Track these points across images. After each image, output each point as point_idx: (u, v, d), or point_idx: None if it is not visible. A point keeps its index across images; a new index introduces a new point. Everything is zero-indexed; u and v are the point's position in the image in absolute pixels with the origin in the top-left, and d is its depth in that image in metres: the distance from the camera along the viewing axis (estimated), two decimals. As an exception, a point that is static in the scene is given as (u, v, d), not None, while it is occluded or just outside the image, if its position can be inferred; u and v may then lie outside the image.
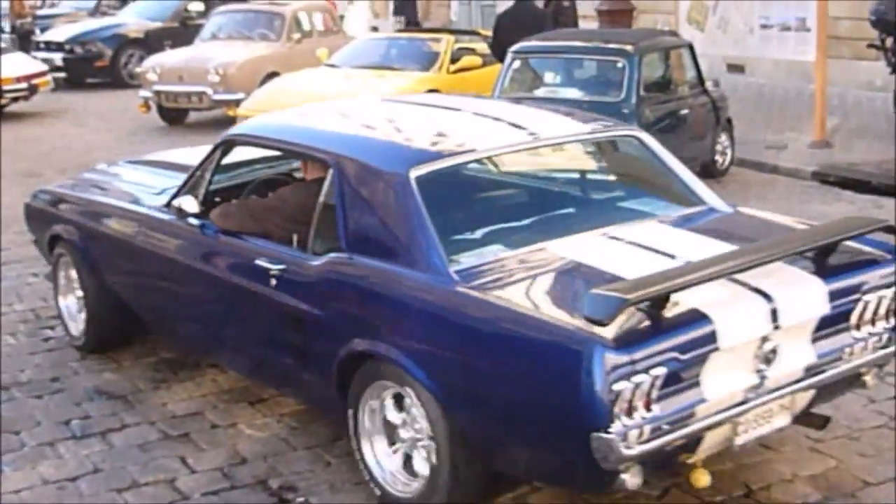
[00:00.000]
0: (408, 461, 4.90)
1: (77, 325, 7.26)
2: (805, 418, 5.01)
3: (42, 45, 21.67)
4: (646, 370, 4.06)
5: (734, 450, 4.67)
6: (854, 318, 4.86)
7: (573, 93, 10.85)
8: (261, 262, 5.36)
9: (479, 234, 5.17)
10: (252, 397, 6.33)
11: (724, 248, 4.86)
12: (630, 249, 4.90)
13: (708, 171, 11.75)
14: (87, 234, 6.97)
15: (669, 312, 4.27)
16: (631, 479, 4.16)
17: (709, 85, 11.74)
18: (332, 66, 14.63)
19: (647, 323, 4.23)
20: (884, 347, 4.96)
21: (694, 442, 4.38)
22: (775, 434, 4.90)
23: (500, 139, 5.46)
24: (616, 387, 3.97)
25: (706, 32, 16.82)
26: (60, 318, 7.52)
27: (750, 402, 4.46)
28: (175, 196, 6.11)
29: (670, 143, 10.48)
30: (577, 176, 6.25)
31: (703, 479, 4.59)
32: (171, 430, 5.93)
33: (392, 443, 4.96)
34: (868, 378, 5.06)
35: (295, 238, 5.39)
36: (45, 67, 18.97)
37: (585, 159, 6.20)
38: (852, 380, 5.01)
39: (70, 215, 7.17)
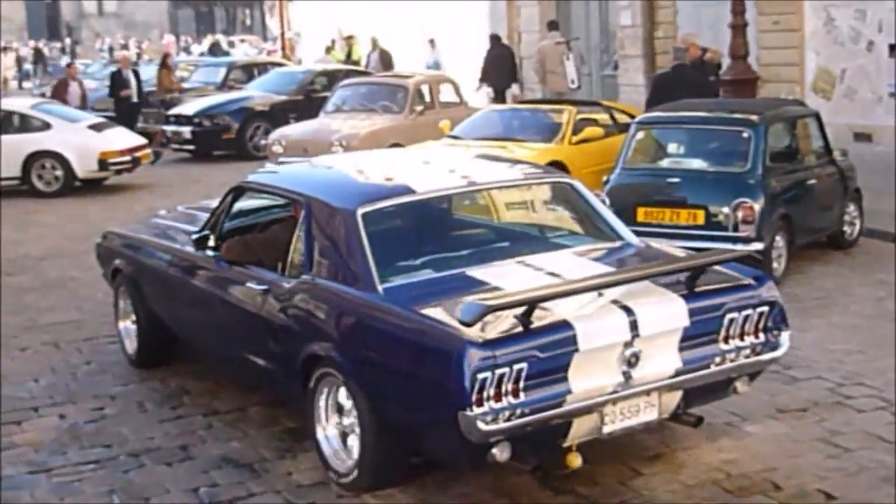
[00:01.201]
0: (345, 440, 6.10)
1: (132, 343, 8.67)
2: (680, 417, 6.12)
3: (172, 119, 22.27)
4: (508, 364, 5.18)
5: (603, 437, 5.66)
6: (722, 333, 5.93)
7: (697, 163, 10.78)
8: (250, 284, 6.79)
9: (411, 260, 6.39)
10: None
11: (608, 271, 6.13)
12: (531, 273, 6.07)
13: (836, 242, 11.54)
14: (137, 266, 8.48)
15: (537, 320, 5.37)
16: (500, 453, 5.28)
17: (836, 154, 11.55)
18: (455, 137, 14.72)
19: (515, 328, 5.34)
20: (753, 359, 6.01)
21: (565, 427, 5.47)
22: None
23: (440, 183, 6.78)
24: (480, 376, 5.10)
25: (833, 101, 16.62)
26: (119, 339, 8.88)
27: (612, 396, 5.51)
28: (198, 233, 7.42)
29: (797, 214, 10.45)
30: (506, 214, 7.46)
31: (575, 461, 5.68)
32: (296, 499, 5.98)
33: (338, 426, 6.13)
34: (739, 385, 6.14)
35: (280, 265, 6.69)
36: (145, 141, 19.57)
37: (518, 201, 7.48)
38: (724, 385, 6.11)
39: (125, 251, 8.73)
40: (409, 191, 6.53)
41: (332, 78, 22.81)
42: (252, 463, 6.55)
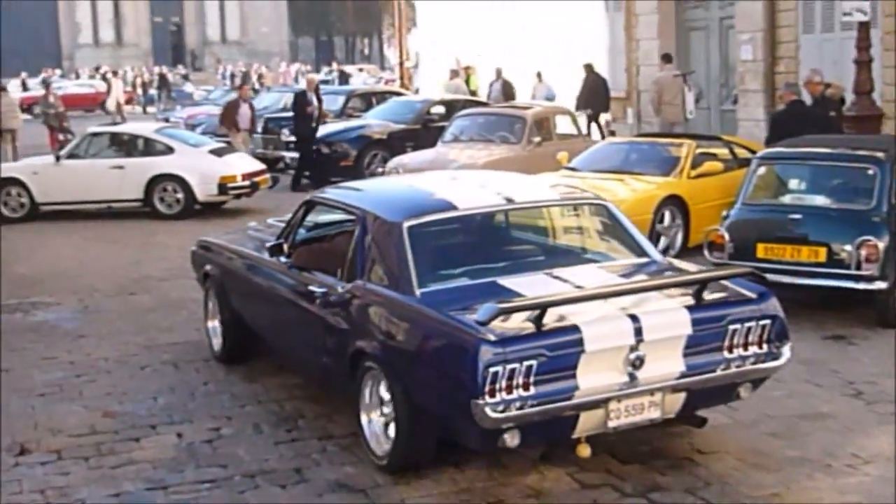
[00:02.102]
0: (387, 428, 6.78)
1: (218, 341, 9.60)
2: (686, 418, 6.83)
3: (291, 146, 22.57)
4: (518, 360, 5.91)
5: (608, 431, 6.33)
6: (725, 342, 6.53)
7: (820, 200, 10.59)
8: (312, 287, 7.64)
9: (450, 269, 7.13)
10: (490, 497, 6.33)
11: (620, 282, 6.88)
12: (557, 283, 6.75)
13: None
14: (223, 270, 9.43)
15: (548, 322, 6.09)
16: (510, 439, 6.02)
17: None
18: (572, 169, 14.66)
19: (528, 328, 6.07)
20: (755, 367, 6.60)
21: (573, 420, 6.17)
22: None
23: (480, 201, 7.52)
24: (492, 369, 5.84)
25: (960, 138, 16.18)
26: (207, 337, 9.78)
27: (618, 394, 6.17)
28: (273, 242, 8.30)
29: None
30: (541, 231, 8.14)
31: (584, 451, 6.42)
32: (409, 525, 5.99)
33: (381, 414, 6.83)
34: (742, 391, 6.75)
35: (339, 271, 7.46)
36: (264, 166, 19.87)
37: (553, 219, 8.12)
38: (728, 391, 6.72)
39: (214, 257, 9.68)
40: (452, 206, 7.34)
41: (450, 107, 22.83)
42: (366, 489, 6.59)
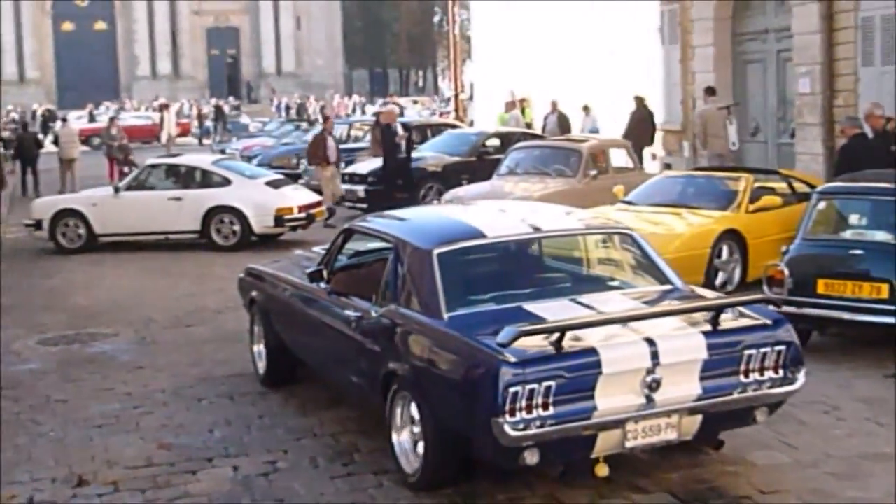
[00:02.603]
0: (416, 446, 7.07)
1: (262, 365, 9.93)
2: (703, 440, 7.02)
3: (346, 178, 22.64)
4: (537, 381, 6.20)
5: (625, 452, 6.58)
6: (741, 367, 6.76)
7: (881, 235, 10.42)
8: (348, 312, 7.98)
9: (478, 294, 7.43)
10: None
11: (639, 308, 7.11)
12: (580, 309, 7.00)
13: None
14: (266, 296, 9.80)
15: (567, 345, 6.36)
16: (529, 456, 6.28)
17: None
18: (629, 203, 14.59)
19: (547, 351, 6.34)
20: (770, 392, 6.81)
21: (591, 440, 6.41)
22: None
23: (509, 229, 7.90)
24: (511, 389, 6.14)
25: None
26: (253, 360, 10.11)
27: (635, 415, 6.41)
28: (314, 268, 8.61)
29: None
30: (568, 258, 8.33)
31: (602, 470, 6.64)
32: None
33: (411, 433, 7.10)
34: (758, 415, 6.95)
35: (374, 296, 7.77)
36: (320, 198, 19.99)
37: (580, 247, 8.32)
38: (744, 414, 6.90)
39: (259, 283, 10.02)
40: (481, 234, 7.67)
41: (505, 140, 22.80)
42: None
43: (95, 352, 11.70)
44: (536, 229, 7.91)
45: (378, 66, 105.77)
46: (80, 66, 77.17)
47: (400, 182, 21.51)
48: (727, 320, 6.93)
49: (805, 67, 20.87)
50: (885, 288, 9.80)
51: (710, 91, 21.49)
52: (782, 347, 6.90)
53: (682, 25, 25.18)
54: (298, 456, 7.94)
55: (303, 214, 18.58)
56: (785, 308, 10.17)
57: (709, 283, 12.86)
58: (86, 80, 75.47)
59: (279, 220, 18.45)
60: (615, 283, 7.88)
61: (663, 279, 7.77)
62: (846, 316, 9.73)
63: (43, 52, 78.61)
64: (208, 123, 53.44)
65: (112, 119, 34.82)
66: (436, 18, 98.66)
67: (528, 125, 28.15)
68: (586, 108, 27.34)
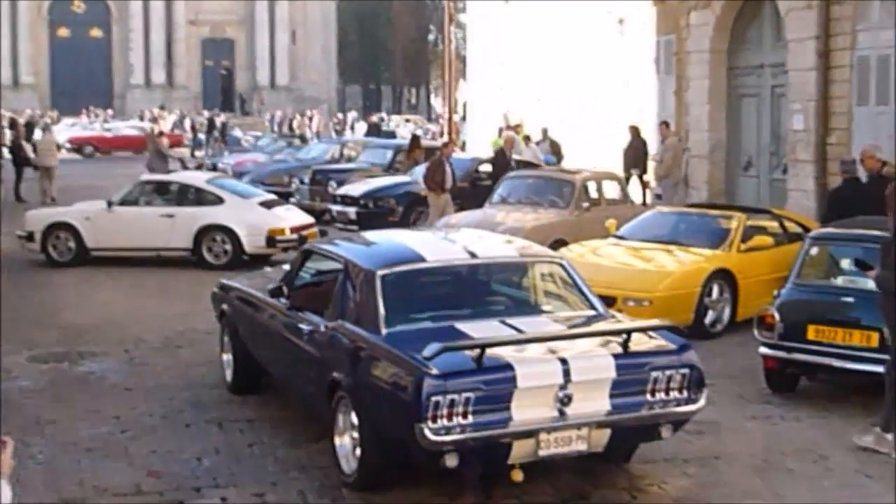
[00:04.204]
0: (354, 450, 7.74)
1: (230, 372, 10.63)
2: (613, 453, 7.76)
3: (339, 199, 22.66)
4: (457, 392, 6.96)
5: (539, 459, 7.25)
6: (648, 386, 7.49)
7: (873, 283, 10.44)
8: (302, 325, 8.73)
9: (415, 313, 8.14)
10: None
11: (558, 330, 7.93)
12: (506, 329, 7.77)
13: None
14: (234, 309, 10.55)
15: (487, 361, 7.13)
16: (449, 459, 7.02)
17: None
18: (620, 237, 14.65)
19: (468, 365, 7.11)
20: (675, 410, 7.53)
21: (506, 447, 7.14)
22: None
23: (448, 255, 8.74)
24: (433, 398, 6.91)
25: None
26: (222, 368, 10.78)
27: (547, 426, 7.15)
28: (274, 285, 9.36)
29: None
30: (502, 283, 9.03)
31: (517, 475, 7.31)
32: None
33: (351, 438, 7.76)
34: (663, 431, 7.67)
35: (325, 311, 8.52)
36: (312, 220, 19.94)
37: (514, 272, 9.09)
38: (650, 430, 7.67)
39: (228, 296, 10.77)
40: (421, 259, 8.47)
41: (497, 166, 22.75)
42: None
43: (85, 371, 11.70)
44: (473, 255, 8.77)
45: (372, 82, 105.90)
46: (75, 72, 77.03)
47: None
48: (637, 343, 7.67)
49: (799, 104, 20.97)
50: (875, 336, 9.84)
51: (665, 125, 23.30)
52: (686, 370, 7.62)
53: (678, 57, 25.30)
54: (287, 489, 7.97)
55: (295, 235, 18.53)
56: (775, 353, 10.37)
57: (698, 322, 12.94)
58: (80, 86, 75.34)
59: (271, 240, 18.44)
60: (544, 307, 8.65)
61: (589, 304, 8.54)
62: (836, 363, 9.79)
63: (38, 57, 78.41)
64: (201, 136, 53.42)
65: (161, 133, 34.38)
66: (431, 37, 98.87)
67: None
68: (544, 131, 27.42)
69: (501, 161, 21.68)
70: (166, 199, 19.37)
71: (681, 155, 22.90)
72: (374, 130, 48.80)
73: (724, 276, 13.29)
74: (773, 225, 14.68)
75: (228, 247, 18.47)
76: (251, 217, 18.68)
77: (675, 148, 22.74)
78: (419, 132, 34.03)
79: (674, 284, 12.95)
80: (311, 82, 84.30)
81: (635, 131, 24.30)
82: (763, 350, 10.51)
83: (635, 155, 23.86)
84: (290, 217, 19.33)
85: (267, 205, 19.46)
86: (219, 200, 18.85)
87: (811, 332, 10.18)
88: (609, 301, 11.62)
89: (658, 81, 26.57)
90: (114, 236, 18.79)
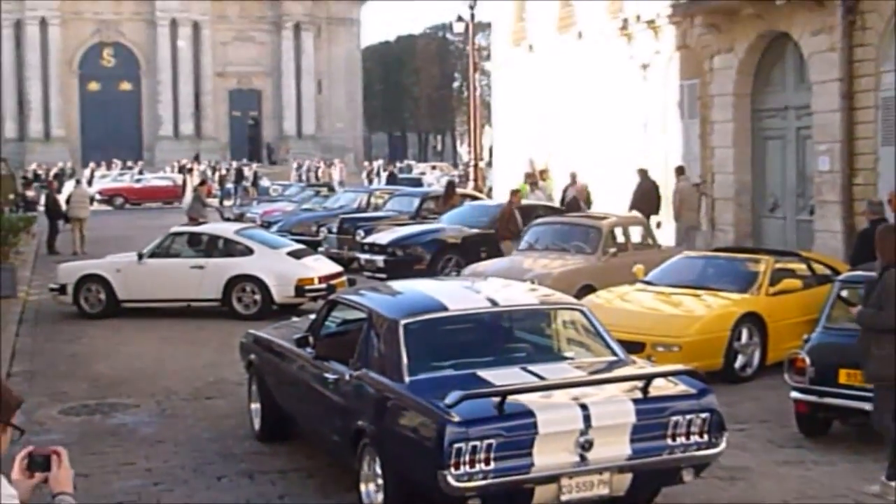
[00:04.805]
0: (379, 496, 7.84)
1: (258, 421, 10.73)
2: (635, 497, 7.83)
3: (366, 248, 22.72)
4: (479, 439, 7.06)
5: None
6: (668, 431, 7.55)
7: (903, 325, 10.43)
8: (327, 374, 8.82)
9: (438, 361, 8.27)
10: None
11: (578, 376, 7.99)
12: (527, 376, 7.84)
13: None
14: (262, 358, 10.65)
15: (508, 408, 7.22)
16: None
17: None
18: (648, 283, 14.64)
19: (490, 412, 7.20)
20: (695, 454, 7.60)
21: (528, 493, 7.23)
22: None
23: (469, 304, 8.81)
24: (455, 445, 7.01)
25: None
26: (250, 418, 10.84)
27: (569, 471, 7.24)
28: (301, 335, 9.53)
29: None
30: (524, 330, 9.13)
31: None
32: None
33: (376, 485, 7.87)
34: (685, 475, 7.71)
35: (350, 360, 8.58)
36: (341, 269, 20.04)
37: (535, 320, 9.25)
38: (672, 474, 7.73)
39: (255, 347, 10.89)
40: (443, 307, 8.59)
41: (526, 213, 22.73)
42: None
43: (117, 423, 11.76)
44: (494, 304, 8.89)
45: (397, 129, 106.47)
46: (104, 125, 77.78)
47: None
48: (657, 388, 7.76)
49: (825, 145, 21.02)
50: (906, 379, 9.76)
51: (680, 170, 23.47)
52: (706, 414, 7.70)
53: (702, 100, 25.40)
54: (318, 542, 7.97)
55: (323, 285, 18.59)
56: (807, 397, 10.33)
57: (728, 366, 12.91)
58: (110, 139, 76.00)
59: (300, 290, 18.50)
60: (565, 354, 8.78)
61: (609, 351, 8.61)
62: (868, 407, 9.73)
63: (69, 110, 79.36)
64: (229, 185, 53.78)
65: (203, 181, 34.69)
66: (455, 84, 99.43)
67: (549, 197, 28.21)
68: (573, 176, 27.43)
69: (575, 209, 21.50)
70: (196, 251, 19.52)
71: (694, 199, 23.05)
72: (392, 180, 49.11)
73: (753, 320, 13.26)
74: (802, 267, 14.64)
75: (258, 297, 18.54)
76: (280, 267, 18.78)
77: (682, 192, 22.88)
78: (455, 178, 33.86)
79: (703, 329, 12.93)
80: (337, 131, 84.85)
81: (643, 174, 24.57)
82: (794, 394, 10.47)
83: (643, 197, 24.01)
84: (319, 267, 19.42)
85: (296, 255, 19.57)
86: (248, 251, 18.96)
87: (843, 376, 10.14)
88: (638, 347, 11.70)
89: (682, 125, 26.65)
90: (144, 288, 18.95)
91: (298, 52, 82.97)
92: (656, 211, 23.90)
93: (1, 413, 3.72)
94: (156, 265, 19.04)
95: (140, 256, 19.20)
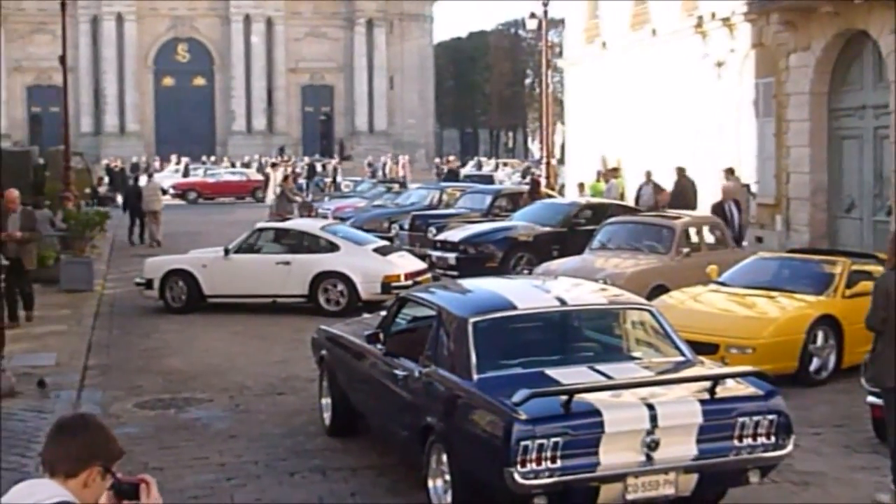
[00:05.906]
0: (447, 492, 7.91)
1: (328, 416, 10.85)
2: (701, 497, 7.84)
3: (438, 245, 22.74)
4: (545, 437, 7.11)
5: (626, 503, 7.32)
6: (735, 432, 7.59)
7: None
8: (396, 371, 8.97)
9: (506, 359, 8.38)
10: None
11: (645, 376, 8.06)
12: (594, 375, 7.90)
13: None
14: (333, 354, 10.82)
15: (575, 406, 7.26)
16: (538, 502, 7.09)
17: None
18: (722, 283, 14.50)
19: (556, 410, 7.24)
20: (762, 455, 7.64)
21: (594, 491, 7.29)
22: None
23: (538, 302, 8.90)
24: (522, 443, 7.07)
25: None
26: (320, 412, 11.02)
27: (635, 471, 7.29)
28: (371, 331, 9.66)
29: None
30: (592, 329, 9.22)
31: None
32: None
33: (444, 481, 7.93)
34: (751, 476, 7.75)
35: (420, 357, 8.71)
36: (426, 266, 20.04)
37: (603, 319, 9.32)
38: (738, 475, 7.77)
39: (327, 343, 11.04)
40: (512, 306, 8.66)
41: (598, 212, 22.65)
42: None
43: (190, 418, 11.89)
44: (563, 303, 8.97)
45: (468, 126, 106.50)
46: (178, 120, 78.80)
47: None
48: (724, 389, 7.80)
49: (903, 144, 20.68)
50: None
51: (730, 171, 23.34)
52: (773, 416, 7.73)
53: (777, 99, 25.13)
54: (388, 539, 8.01)
55: (410, 282, 18.44)
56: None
57: (802, 369, 12.76)
58: (183, 134, 77.00)
59: (386, 286, 18.39)
60: (632, 354, 8.83)
61: (677, 351, 8.64)
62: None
63: (143, 105, 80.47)
64: (301, 181, 54.09)
65: (287, 177, 35.12)
66: (527, 81, 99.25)
67: (621, 196, 28.08)
68: (647, 174, 27.15)
69: (720, 214, 21.15)
70: (282, 247, 19.58)
71: (743, 198, 22.74)
72: (451, 177, 49.02)
73: (828, 323, 13.08)
74: (878, 270, 14.39)
75: (344, 293, 18.53)
76: (366, 264, 18.78)
77: (731, 191, 21.65)
78: (540, 176, 33.67)
79: (778, 331, 12.79)
80: (408, 127, 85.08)
81: (681, 172, 24.51)
82: (870, 399, 10.30)
83: (679, 195, 23.83)
84: (405, 263, 19.42)
85: (382, 251, 19.60)
86: (334, 247, 19.00)
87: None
88: (711, 348, 11.61)
89: (757, 124, 26.37)
90: (230, 283, 19.02)
91: (371, 48, 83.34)
92: (693, 206, 23.64)
93: (106, 461, 3.83)
94: (242, 261, 19.11)
95: (226, 252, 19.29)
